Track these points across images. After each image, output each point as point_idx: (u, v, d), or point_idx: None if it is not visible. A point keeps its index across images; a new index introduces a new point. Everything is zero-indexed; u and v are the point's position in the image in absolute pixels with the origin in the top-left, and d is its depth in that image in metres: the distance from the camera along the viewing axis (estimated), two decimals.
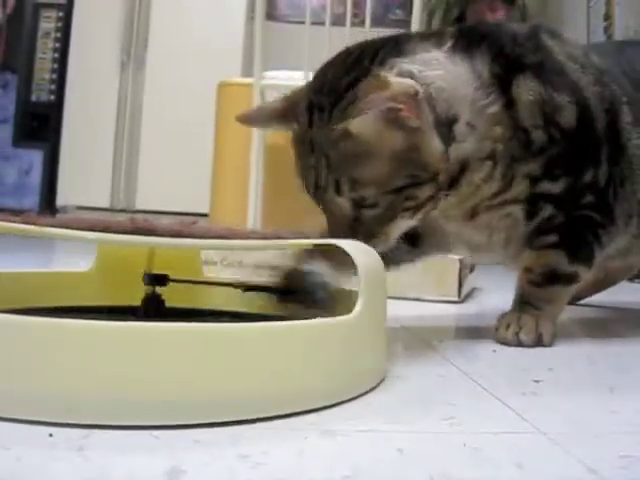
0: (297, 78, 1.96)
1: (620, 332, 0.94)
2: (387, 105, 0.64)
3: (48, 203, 3.41)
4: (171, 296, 0.69)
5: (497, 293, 1.34)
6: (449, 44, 0.74)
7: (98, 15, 3.42)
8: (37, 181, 3.49)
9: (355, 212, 0.69)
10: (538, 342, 0.78)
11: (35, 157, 3.48)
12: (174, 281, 0.69)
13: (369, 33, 1.93)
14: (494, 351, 0.75)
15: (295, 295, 0.67)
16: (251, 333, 0.47)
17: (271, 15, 3.78)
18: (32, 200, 3.45)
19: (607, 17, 3.08)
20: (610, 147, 0.80)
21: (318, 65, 1.96)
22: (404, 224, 0.71)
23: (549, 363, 0.70)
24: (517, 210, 0.79)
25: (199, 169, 3.02)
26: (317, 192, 0.70)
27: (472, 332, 0.92)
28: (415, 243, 0.84)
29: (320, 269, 0.69)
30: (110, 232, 0.55)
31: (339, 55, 0.76)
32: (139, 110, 3.43)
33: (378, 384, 0.56)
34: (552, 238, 0.80)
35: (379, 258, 0.60)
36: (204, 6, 3.44)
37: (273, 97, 2.07)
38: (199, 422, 0.43)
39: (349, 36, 1.92)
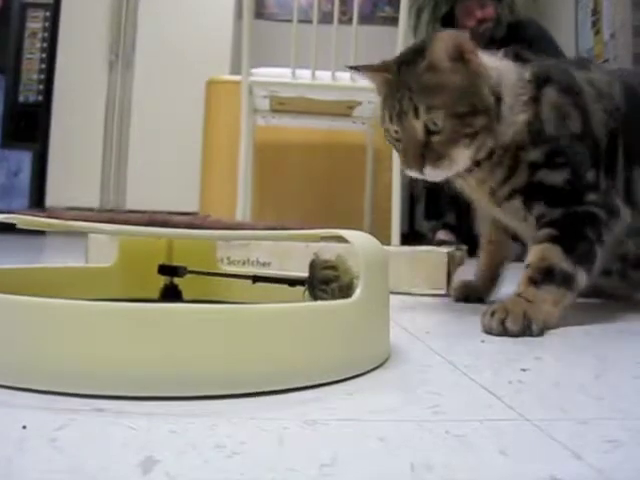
0: (285, 75, 1.95)
1: (608, 321, 0.93)
2: (454, 40, 0.85)
3: (37, 204, 3.39)
4: (188, 289, 0.75)
5: None
6: (501, 54, 0.95)
7: (85, 14, 3.40)
8: (26, 182, 3.46)
9: (425, 137, 0.86)
10: (525, 331, 0.77)
11: (24, 158, 3.46)
12: (191, 272, 0.74)
13: (357, 31, 1.92)
14: (482, 342, 0.75)
15: (310, 286, 0.69)
16: (243, 315, 0.49)
17: (260, 13, 3.77)
18: (21, 201, 3.42)
19: (595, 12, 3.08)
20: (609, 164, 0.93)
21: (306, 62, 1.96)
22: (465, 152, 0.87)
23: (536, 352, 0.69)
24: (519, 202, 0.92)
25: (188, 168, 3.01)
26: (399, 118, 0.88)
27: (460, 324, 0.91)
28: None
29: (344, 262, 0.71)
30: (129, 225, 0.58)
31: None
32: (128, 109, 3.42)
33: (373, 368, 0.57)
34: (551, 231, 0.87)
35: (380, 244, 0.63)
36: (192, 4, 3.43)
37: (261, 94, 2.08)
38: (211, 394, 0.46)
39: (336, 34, 1.91)
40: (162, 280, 0.77)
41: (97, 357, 0.46)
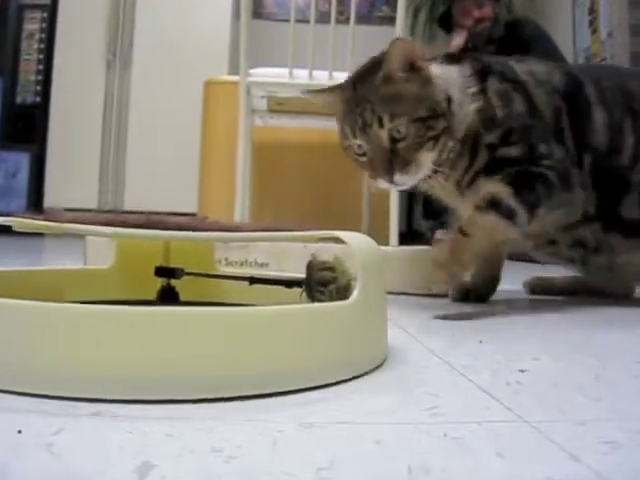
0: (283, 75, 1.95)
1: (608, 320, 0.93)
2: (404, 51, 0.90)
3: (35, 205, 3.38)
4: (186, 290, 0.75)
5: None
6: (439, 60, 1.01)
7: (83, 15, 3.40)
8: (24, 183, 3.46)
9: (391, 145, 0.90)
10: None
11: (22, 159, 3.46)
12: (188, 274, 0.75)
13: (354, 30, 1.92)
14: (480, 342, 0.74)
15: (307, 287, 0.69)
16: (239, 317, 0.49)
17: (257, 13, 3.76)
18: (19, 202, 3.42)
19: (592, 11, 3.08)
20: (558, 138, 1.01)
21: (303, 62, 1.97)
22: (428, 155, 0.92)
23: (535, 353, 0.69)
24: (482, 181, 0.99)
25: (186, 168, 3.00)
26: (363, 130, 0.92)
27: (459, 325, 0.91)
28: None
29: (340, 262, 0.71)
30: (127, 227, 0.58)
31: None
32: (126, 110, 3.41)
33: (371, 369, 0.57)
34: (504, 178, 0.96)
35: (376, 245, 0.63)
36: (190, 4, 3.43)
37: (259, 95, 2.08)
38: (208, 397, 0.46)
39: (334, 34, 1.91)
40: (160, 282, 0.76)
41: (92, 360, 0.45)
